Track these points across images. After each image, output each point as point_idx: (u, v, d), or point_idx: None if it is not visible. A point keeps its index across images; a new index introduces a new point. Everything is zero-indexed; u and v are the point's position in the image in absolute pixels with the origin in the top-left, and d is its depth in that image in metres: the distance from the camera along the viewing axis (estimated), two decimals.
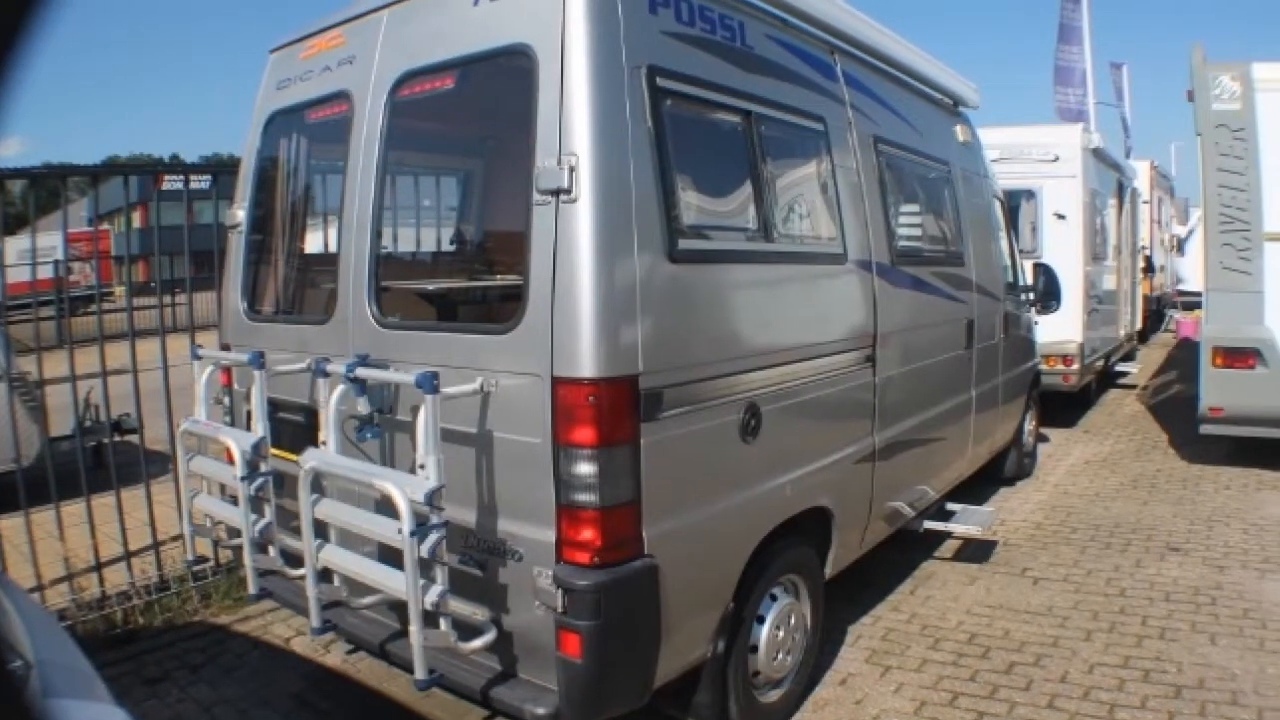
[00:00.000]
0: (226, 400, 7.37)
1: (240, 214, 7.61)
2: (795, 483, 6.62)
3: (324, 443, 5.74)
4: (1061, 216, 16.90)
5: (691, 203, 5.85)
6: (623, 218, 5.09)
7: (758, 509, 6.27)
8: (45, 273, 13.74)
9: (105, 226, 43.35)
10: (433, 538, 4.90)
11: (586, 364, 4.95)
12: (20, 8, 2.02)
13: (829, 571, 7.43)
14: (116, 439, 9.90)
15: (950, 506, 10.33)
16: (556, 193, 4.98)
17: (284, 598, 6.66)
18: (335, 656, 7.84)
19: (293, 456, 5.88)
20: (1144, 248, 27.19)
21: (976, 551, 10.41)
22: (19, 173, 9.36)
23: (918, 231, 9.43)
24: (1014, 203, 15.69)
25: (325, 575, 5.72)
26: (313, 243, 7.63)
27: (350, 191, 6.39)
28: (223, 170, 9.13)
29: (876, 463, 7.88)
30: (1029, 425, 13.80)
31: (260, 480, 6.05)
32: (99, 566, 8.62)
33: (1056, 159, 17.02)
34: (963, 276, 10.23)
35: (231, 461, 6.06)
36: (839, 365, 7.24)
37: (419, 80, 6.14)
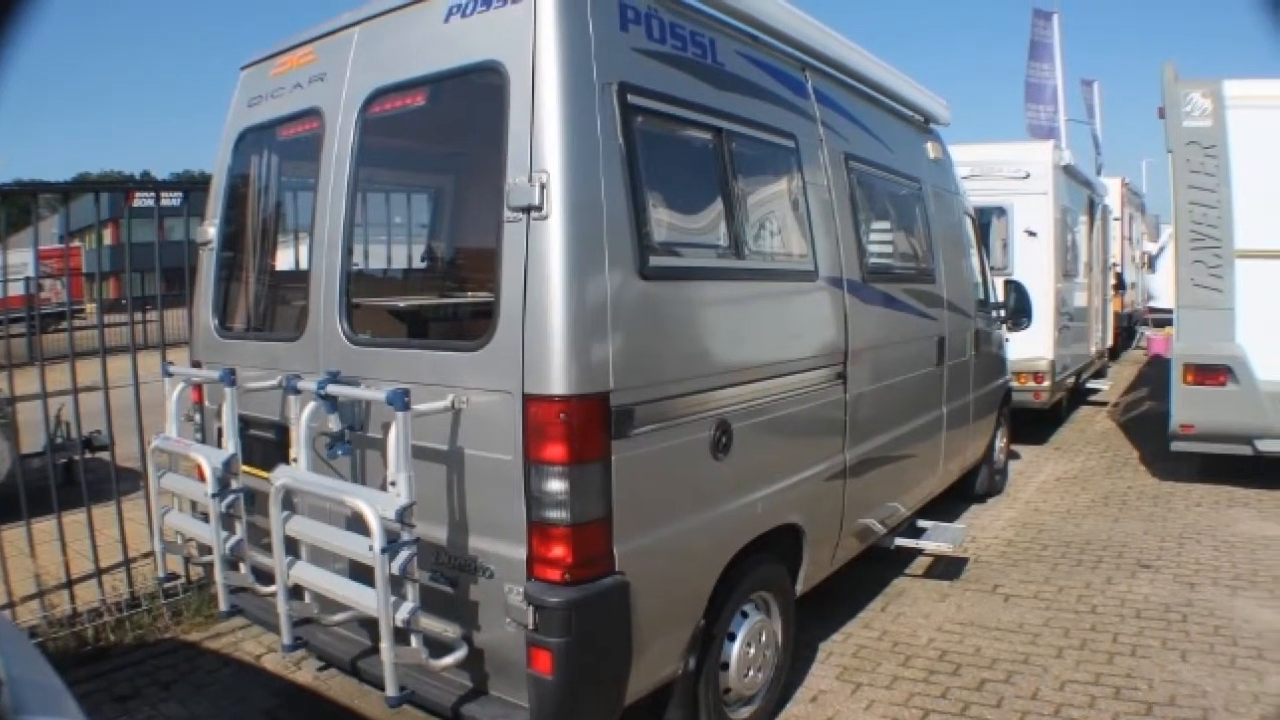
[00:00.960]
0: (198, 417, 7.38)
1: (211, 231, 7.61)
2: (766, 500, 6.63)
3: (295, 460, 5.73)
4: (1032, 233, 16.95)
5: (663, 220, 5.86)
6: (594, 235, 5.11)
7: (729, 526, 6.28)
8: (16, 290, 13.72)
9: (76, 243, 43.38)
10: (404, 555, 4.91)
11: (557, 381, 4.96)
12: None
13: (800, 588, 7.43)
14: (88, 456, 9.90)
15: (921, 523, 10.37)
16: (528, 210, 4.99)
17: (255, 615, 6.66)
18: (306, 673, 7.82)
19: (264, 473, 5.87)
20: (1115, 265, 27.31)
21: (948, 568, 10.43)
22: None
23: (889, 249, 9.46)
24: (985, 220, 15.70)
25: (296, 592, 5.72)
26: (284, 260, 7.62)
27: (321, 208, 6.40)
28: (194, 187, 9.10)
29: (848, 480, 7.89)
30: (1000, 442, 13.85)
31: (231, 497, 6.04)
32: (70, 583, 8.59)
33: (1027, 176, 17.07)
34: (934, 293, 10.27)
35: (203, 478, 6.05)
36: (810, 382, 7.25)
37: (390, 97, 6.14)
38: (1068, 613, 9.10)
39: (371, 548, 4.85)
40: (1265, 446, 13.24)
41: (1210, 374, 13.32)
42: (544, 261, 4.97)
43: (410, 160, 8.87)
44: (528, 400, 5.04)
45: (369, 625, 5.56)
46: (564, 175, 4.98)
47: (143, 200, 10.45)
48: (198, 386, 7.27)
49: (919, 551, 10.29)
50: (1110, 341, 25.82)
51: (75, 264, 40.39)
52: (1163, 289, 32.08)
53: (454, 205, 8.86)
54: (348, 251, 6.34)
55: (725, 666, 6.43)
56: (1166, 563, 10.57)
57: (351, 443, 5.90)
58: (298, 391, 5.86)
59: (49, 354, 8.89)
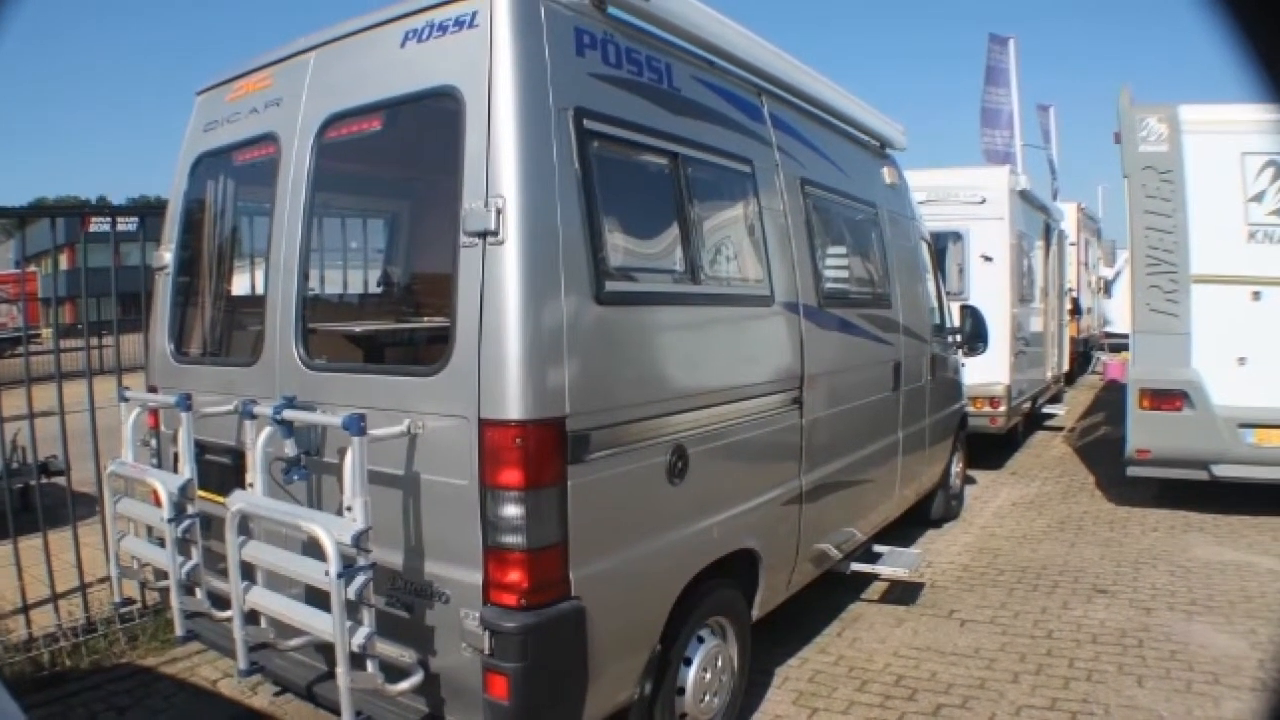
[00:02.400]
0: (154, 442, 7.37)
1: (167, 256, 7.59)
2: (722, 525, 6.65)
3: (251, 485, 5.72)
4: (988, 258, 17.00)
5: (619, 245, 5.87)
6: (550, 260, 5.12)
7: (685, 551, 6.29)
8: None
9: (32, 268, 43.10)
10: (359, 580, 4.90)
11: (513, 406, 4.97)
12: None
13: (756, 613, 7.45)
14: (44, 481, 9.85)
15: (877, 548, 10.38)
16: (483, 234, 5.00)
17: (211, 639, 6.61)
18: (262, 698, 7.78)
19: (220, 498, 5.87)
20: (1071, 290, 27.45)
21: (903, 593, 10.43)
22: None
23: (845, 274, 9.48)
24: (941, 245, 15.79)
25: (252, 617, 5.70)
26: (240, 285, 7.59)
27: (277, 233, 6.39)
28: (150, 212, 9.09)
29: (804, 505, 7.91)
30: (956, 467, 13.89)
31: (187, 522, 6.03)
32: (26, 608, 8.55)
33: (983, 201, 17.13)
34: (890, 319, 10.30)
35: (158, 503, 6.07)
36: (766, 407, 7.28)
37: (346, 122, 6.14)
38: (1024, 638, 9.12)
39: (327, 573, 4.84)
40: (1221, 471, 13.33)
41: (1166, 399, 13.41)
42: (500, 286, 4.98)
43: (367, 185, 8.87)
44: (484, 425, 5.04)
45: (325, 650, 5.52)
46: (520, 200, 5.00)
47: (99, 225, 10.44)
48: (154, 411, 7.26)
49: (875, 576, 10.30)
50: (1066, 366, 25.95)
51: (31, 289, 40.28)
52: (1118, 314, 32.30)
53: (410, 230, 8.87)
54: (304, 276, 6.33)
55: (681, 691, 6.43)
56: (1122, 588, 10.62)
57: (308, 468, 5.88)
58: (254, 416, 5.82)
59: (4, 379, 8.87)
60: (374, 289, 9.11)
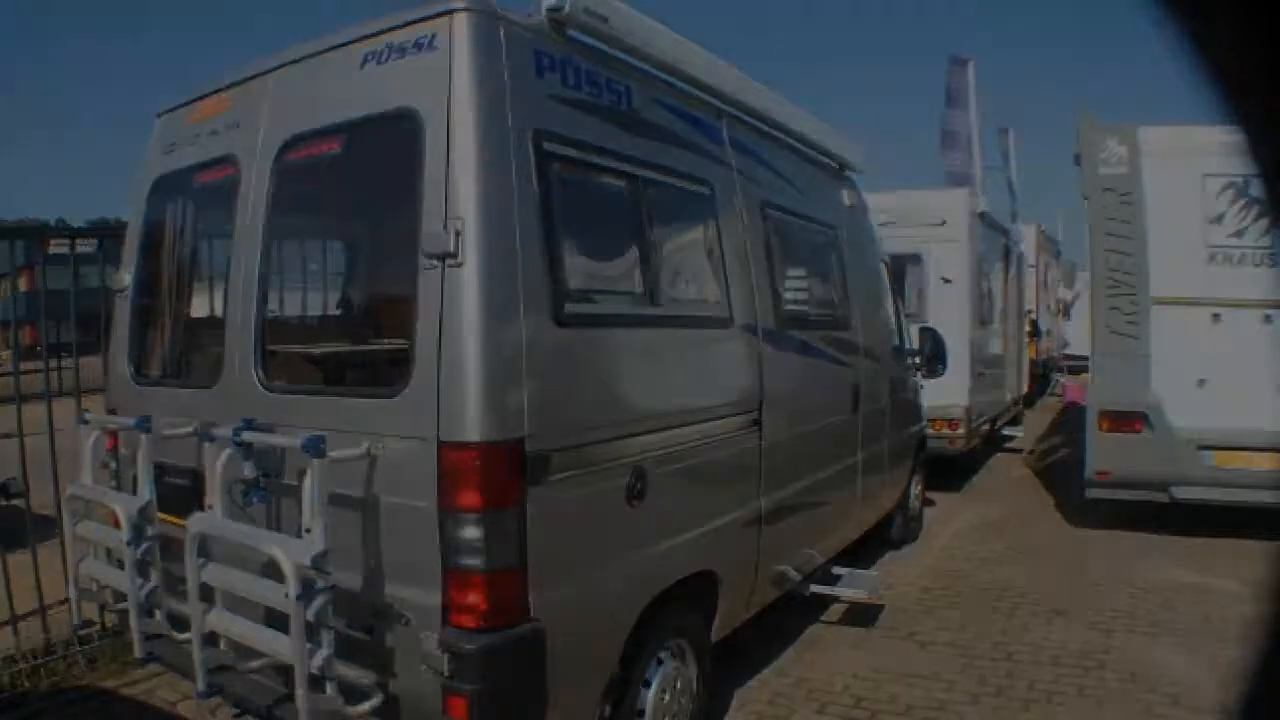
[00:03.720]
0: (113, 464, 7.31)
1: (126, 278, 7.57)
2: (681, 547, 6.66)
3: (210, 507, 5.71)
4: (948, 280, 17.03)
5: (578, 267, 5.90)
6: (509, 282, 5.14)
7: (644, 573, 6.29)
8: None
9: None
10: (319, 601, 4.90)
11: (472, 428, 4.98)
12: None
13: (715, 635, 7.44)
14: (3, 504, 9.80)
15: (836, 570, 10.35)
16: (443, 257, 5.01)
17: (171, 662, 6.57)
18: None
19: (179, 520, 5.83)
20: (1030, 312, 27.50)
21: (863, 615, 10.41)
22: None
23: (804, 296, 9.50)
24: (900, 267, 15.75)
25: (212, 639, 5.69)
26: (199, 307, 7.58)
27: (237, 255, 6.39)
28: (109, 234, 9.07)
29: (763, 527, 7.91)
30: (915, 489, 13.89)
31: (146, 544, 6.01)
32: None
33: (943, 223, 17.15)
34: (849, 341, 10.33)
35: (118, 525, 6.03)
36: (725, 429, 7.28)
37: (305, 144, 6.14)
38: (983, 660, 9.13)
39: (287, 595, 4.85)
40: (1181, 493, 13.35)
41: (1126, 421, 13.43)
42: (459, 308, 4.99)
43: (326, 206, 8.84)
44: (443, 447, 5.05)
45: (285, 672, 5.50)
46: (479, 222, 5.01)
47: (58, 247, 10.42)
48: (113, 434, 7.21)
49: (834, 598, 10.26)
50: (1025, 388, 25.96)
51: None
52: (1077, 336, 32.35)
53: (370, 252, 8.84)
54: (263, 298, 6.33)
55: (641, 714, 6.41)
56: (1082, 610, 10.61)
57: (267, 490, 5.87)
58: (213, 439, 5.82)
59: None
60: (333, 311, 9.09)
